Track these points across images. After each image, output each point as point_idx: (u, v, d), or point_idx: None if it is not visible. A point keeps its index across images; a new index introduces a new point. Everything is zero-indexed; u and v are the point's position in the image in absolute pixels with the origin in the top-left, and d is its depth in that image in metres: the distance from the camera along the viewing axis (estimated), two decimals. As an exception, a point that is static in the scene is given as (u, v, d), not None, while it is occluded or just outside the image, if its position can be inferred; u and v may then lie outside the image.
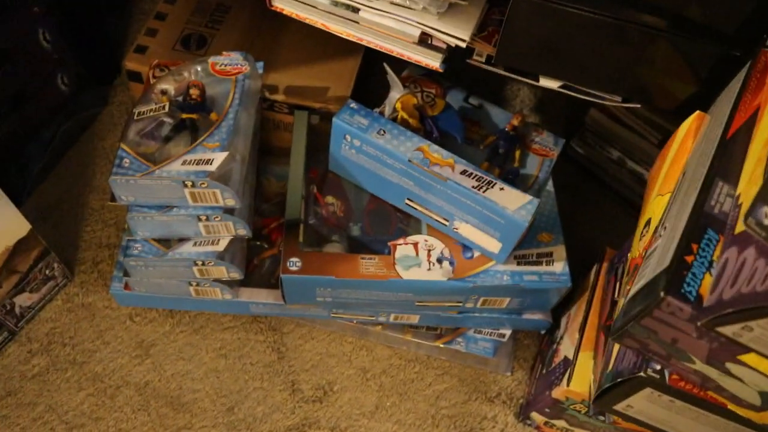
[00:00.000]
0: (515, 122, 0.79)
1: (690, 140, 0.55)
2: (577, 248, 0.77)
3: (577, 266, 0.75)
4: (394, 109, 0.75)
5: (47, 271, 0.82)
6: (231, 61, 0.76)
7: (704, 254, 0.42)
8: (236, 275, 0.75)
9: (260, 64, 0.80)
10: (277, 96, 0.85)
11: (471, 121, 0.83)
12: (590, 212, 0.98)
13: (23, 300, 0.80)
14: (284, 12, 0.68)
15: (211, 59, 0.76)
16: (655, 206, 0.56)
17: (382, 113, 0.76)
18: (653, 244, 0.51)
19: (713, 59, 0.54)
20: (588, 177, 1.02)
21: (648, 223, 0.56)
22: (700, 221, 0.43)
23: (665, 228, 0.50)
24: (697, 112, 0.56)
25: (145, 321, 0.84)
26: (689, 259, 0.42)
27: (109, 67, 1.06)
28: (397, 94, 0.74)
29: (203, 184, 0.66)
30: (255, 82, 0.77)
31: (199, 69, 0.76)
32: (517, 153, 0.81)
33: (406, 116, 0.75)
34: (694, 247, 0.42)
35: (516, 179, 0.79)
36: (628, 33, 0.55)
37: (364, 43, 0.65)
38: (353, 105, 0.73)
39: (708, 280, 0.41)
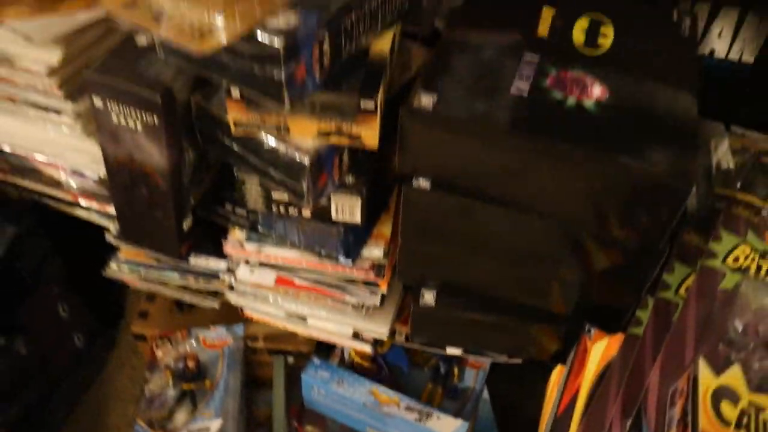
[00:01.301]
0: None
1: (553, 393, 0.74)
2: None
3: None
4: (349, 354, 0.95)
5: None
6: (217, 334, 0.96)
7: None
8: None
9: (240, 327, 1.00)
10: (257, 344, 1.04)
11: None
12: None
13: None
14: (246, 312, 0.88)
15: (201, 334, 0.96)
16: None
17: (341, 355, 0.96)
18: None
19: (560, 333, 0.75)
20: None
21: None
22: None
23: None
24: (559, 366, 0.76)
25: None
26: None
27: (115, 311, 1.26)
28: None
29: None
30: (237, 343, 0.97)
31: (193, 342, 0.96)
32: (456, 370, 1.00)
33: (358, 359, 0.95)
34: None
35: (456, 395, 0.98)
36: (505, 324, 0.76)
37: (313, 337, 0.86)
38: (316, 361, 0.93)
39: None
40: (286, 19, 0.54)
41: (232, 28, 0.53)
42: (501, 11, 0.75)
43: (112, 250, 0.93)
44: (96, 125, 0.70)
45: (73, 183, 0.90)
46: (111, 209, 0.88)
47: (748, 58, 0.85)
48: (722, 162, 0.81)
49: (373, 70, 0.62)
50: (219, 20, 0.53)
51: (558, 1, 0.75)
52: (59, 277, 1.12)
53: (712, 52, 0.86)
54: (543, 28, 0.71)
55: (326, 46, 0.57)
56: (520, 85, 0.64)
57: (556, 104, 0.62)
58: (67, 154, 0.86)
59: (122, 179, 0.73)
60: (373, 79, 0.61)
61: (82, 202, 0.92)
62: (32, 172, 0.92)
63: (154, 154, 0.69)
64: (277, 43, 0.52)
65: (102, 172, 0.83)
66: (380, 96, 0.60)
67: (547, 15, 0.73)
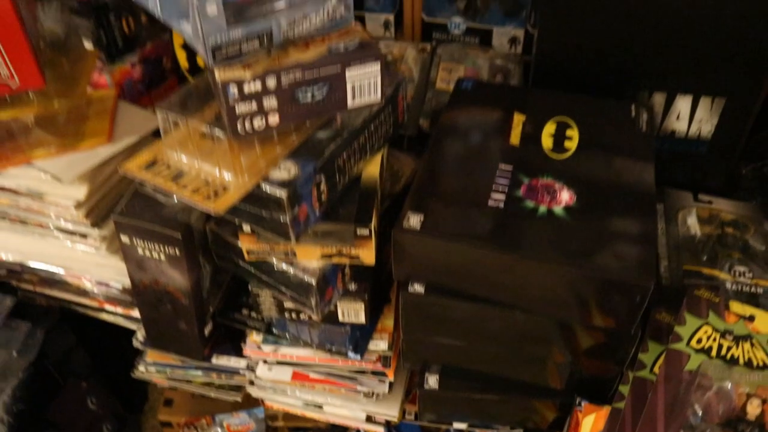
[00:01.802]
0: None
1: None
2: None
3: None
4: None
5: None
6: (240, 420, 1.03)
7: None
8: None
9: (261, 410, 1.07)
10: (277, 423, 1.11)
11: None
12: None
13: None
14: (266, 403, 0.95)
15: (225, 421, 1.04)
16: None
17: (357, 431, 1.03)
18: None
19: (557, 404, 0.83)
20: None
21: None
22: None
23: None
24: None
25: None
26: None
27: (140, 396, 1.33)
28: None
29: None
30: (260, 426, 1.04)
31: (218, 429, 1.03)
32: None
33: None
34: None
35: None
36: (506, 400, 0.84)
37: (329, 422, 0.93)
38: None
39: None
40: (287, 170, 0.63)
41: (242, 184, 0.61)
42: (478, 119, 0.83)
43: (132, 339, 1.01)
44: (124, 256, 0.78)
45: (99, 291, 0.98)
46: (134, 313, 0.96)
47: (706, 135, 0.94)
48: (690, 232, 0.89)
49: (365, 195, 0.71)
50: (229, 177, 0.62)
51: (527, 108, 0.83)
52: (86, 370, 1.20)
53: (673, 133, 0.94)
54: (515, 136, 0.80)
55: (323, 186, 0.66)
56: (497, 197, 0.72)
57: (529, 214, 0.70)
58: (92, 269, 0.94)
59: (148, 298, 0.81)
60: (367, 206, 0.69)
61: (108, 307, 1.00)
62: (59, 283, 1.01)
63: (176, 278, 0.77)
64: (281, 194, 0.61)
65: (125, 282, 0.91)
66: (374, 222, 0.68)
67: (518, 121, 0.82)
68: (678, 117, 0.93)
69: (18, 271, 1.01)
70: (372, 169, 0.74)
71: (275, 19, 0.56)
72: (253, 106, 0.58)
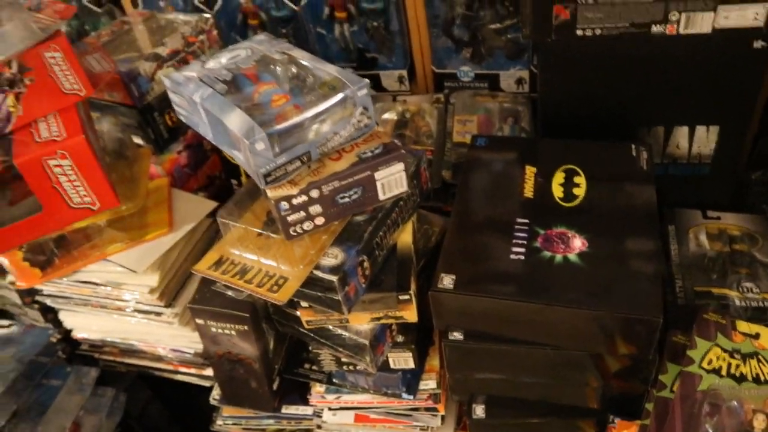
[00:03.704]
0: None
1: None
2: None
3: None
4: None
5: None
6: (312, 458, 1.14)
7: None
8: None
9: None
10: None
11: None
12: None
13: None
14: None
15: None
16: None
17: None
18: None
19: (596, 421, 0.92)
20: None
21: None
22: None
23: None
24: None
25: None
26: None
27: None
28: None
29: None
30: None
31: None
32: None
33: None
34: None
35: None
36: (549, 422, 0.93)
37: None
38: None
39: None
40: (334, 256, 0.73)
41: (298, 274, 0.72)
42: (494, 176, 0.93)
43: (210, 397, 1.12)
44: (199, 333, 0.90)
45: (173, 357, 1.10)
46: (206, 372, 1.08)
47: (707, 157, 1.02)
48: (701, 250, 0.97)
49: (403, 262, 0.81)
50: (287, 268, 0.73)
51: (537, 159, 0.93)
52: (164, 422, 1.33)
53: (675, 159, 1.03)
54: (528, 189, 0.89)
55: (366, 264, 0.76)
56: (517, 250, 0.82)
57: (547, 263, 0.80)
58: (167, 339, 1.06)
59: (223, 365, 0.93)
60: (405, 272, 0.80)
61: (182, 369, 1.12)
62: (137, 352, 1.13)
63: (246, 348, 0.88)
64: (333, 279, 0.72)
65: (197, 347, 1.03)
66: (413, 287, 0.79)
67: (530, 174, 0.91)
68: (678, 146, 1.01)
69: (100, 345, 1.14)
70: (405, 237, 0.84)
71: (312, 141, 0.67)
72: (302, 213, 0.69)
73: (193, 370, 1.11)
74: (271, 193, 0.67)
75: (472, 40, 1.20)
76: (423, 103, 1.17)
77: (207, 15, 1.12)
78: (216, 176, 1.19)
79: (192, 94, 0.74)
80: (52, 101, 0.79)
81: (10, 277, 1.05)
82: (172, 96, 0.79)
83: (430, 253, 0.91)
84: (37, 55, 0.82)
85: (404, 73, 1.25)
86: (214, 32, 1.14)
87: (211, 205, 1.01)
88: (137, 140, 1.09)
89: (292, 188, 0.67)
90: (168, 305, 0.97)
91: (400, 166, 0.71)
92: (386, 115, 1.16)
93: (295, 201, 0.68)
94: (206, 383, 1.11)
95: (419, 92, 1.26)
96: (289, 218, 0.69)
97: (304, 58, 0.78)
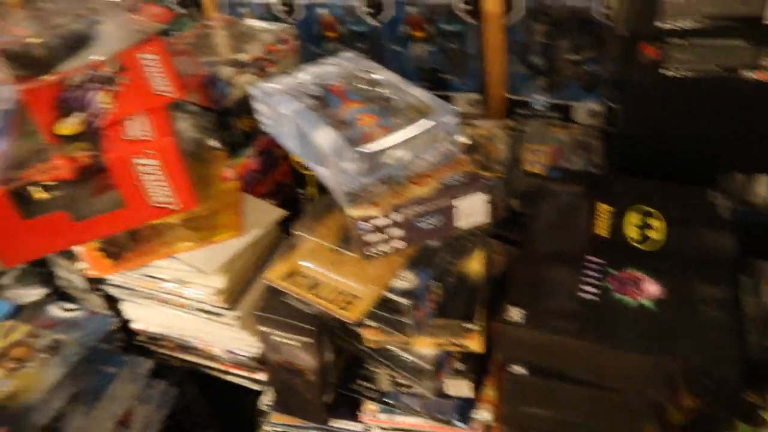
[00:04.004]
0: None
1: None
2: None
3: None
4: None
5: None
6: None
7: None
8: None
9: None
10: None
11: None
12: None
13: None
14: None
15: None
16: None
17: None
18: None
19: None
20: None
21: None
22: None
23: None
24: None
25: None
26: None
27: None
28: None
29: None
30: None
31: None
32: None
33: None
34: None
35: None
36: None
37: None
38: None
39: None
40: (408, 280, 0.74)
41: (370, 294, 0.73)
42: (565, 210, 0.92)
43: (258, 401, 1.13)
44: (262, 340, 0.91)
45: (227, 357, 1.12)
46: (257, 376, 1.09)
47: (786, 208, 0.99)
48: (773, 304, 0.94)
49: (471, 291, 0.81)
50: (359, 287, 0.73)
51: (611, 196, 0.92)
52: (208, 420, 1.34)
53: (754, 206, 1.00)
54: (600, 227, 0.88)
55: (436, 289, 0.76)
56: (587, 288, 0.81)
57: (619, 306, 0.79)
58: (224, 340, 1.08)
59: (280, 374, 0.94)
60: (472, 301, 0.80)
61: (233, 371, 1.13)
62: (192, 348, 1.15)
63: (307, 360, 0.89)
64: (406, 302, 0.72)
65: (252, 351, 1.04)
66: (480, 317, 0.78)
67: (602, 211, 0.90)
68: (755, 194, 0.98)
69: (156, 338, 1.17)
70: (475, 265, 0.84)
71: (397, 165, 0.67)
72: (381, 235, 0.70)
73: (244, 373, 1.12)
74: (353, 212, 0.68)
75: (548, 69, 1.19)
76: (494, 128, 1.17)
77: (291, 25, 1.14)
78: (284, 183, 1.21)
79: (279, 105, 0.75)
80: (144, 101, 0.81)
81: (78, 264, 1.08)
82: (257, 105, 0.81)
83: (493, 282, 0.90)
84: (133, 56, 0.85)
85: (478, 96, 1.25)
86: (295, 42, 1.16)
87: (281, 213, 1.02)
88: (212, 142, 1.11)
89: (374, 209, 0.68)
90: (230, 308, 0.99)
91: (483, 196, 0.71)
92: (457, 138, 1.16)
93: (375, 222, 0.69)
94: (255, 387, 1.12)
95: (489, 116, 1.26)
96: (368, 238, 0.70)
97: (391, 79, 0.79)
